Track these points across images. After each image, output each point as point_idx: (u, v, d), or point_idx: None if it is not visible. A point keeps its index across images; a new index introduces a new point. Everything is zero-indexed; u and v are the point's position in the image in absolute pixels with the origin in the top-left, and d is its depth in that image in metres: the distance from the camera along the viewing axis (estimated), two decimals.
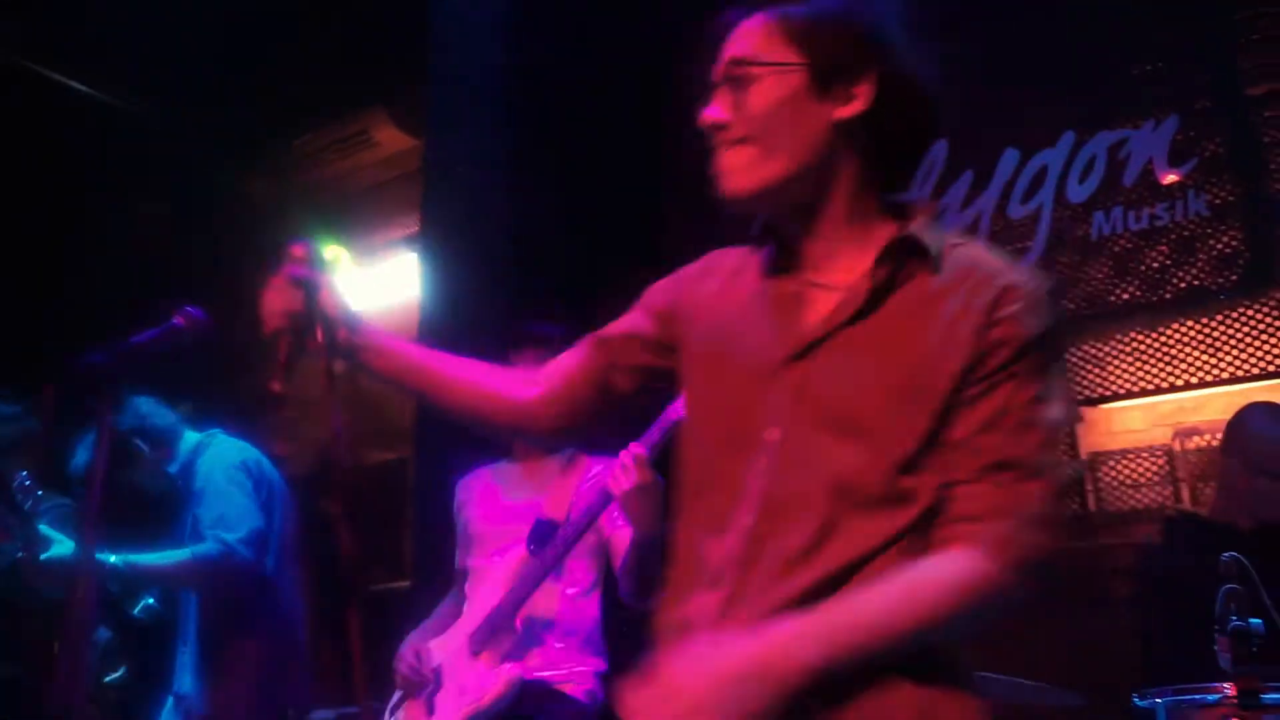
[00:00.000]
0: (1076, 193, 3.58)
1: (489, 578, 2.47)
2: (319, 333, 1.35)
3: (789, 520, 1.09)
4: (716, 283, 1.29)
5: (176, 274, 4.52)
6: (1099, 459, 3.44)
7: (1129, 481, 3.38)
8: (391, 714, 2.57)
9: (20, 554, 2.37)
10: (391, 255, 5.10)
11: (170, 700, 2.63)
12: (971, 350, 1.09)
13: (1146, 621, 2.56)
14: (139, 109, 4.66)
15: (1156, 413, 3.38)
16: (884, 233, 1.16)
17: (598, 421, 1.40)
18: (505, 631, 2.36)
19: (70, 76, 4.39)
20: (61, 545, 2.41)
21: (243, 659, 2.59)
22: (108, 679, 2.71)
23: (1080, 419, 3.50)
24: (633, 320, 1.37)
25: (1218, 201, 3.36)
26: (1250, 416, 2.55)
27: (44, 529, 2.44)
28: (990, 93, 3.73)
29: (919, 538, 1.09)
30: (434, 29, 4.16)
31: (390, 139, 4.96)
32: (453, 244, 4.14)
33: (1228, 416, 2.59)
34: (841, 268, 1.17)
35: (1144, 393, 3.39)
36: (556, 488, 2.47)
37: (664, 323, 1.33)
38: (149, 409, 2.77)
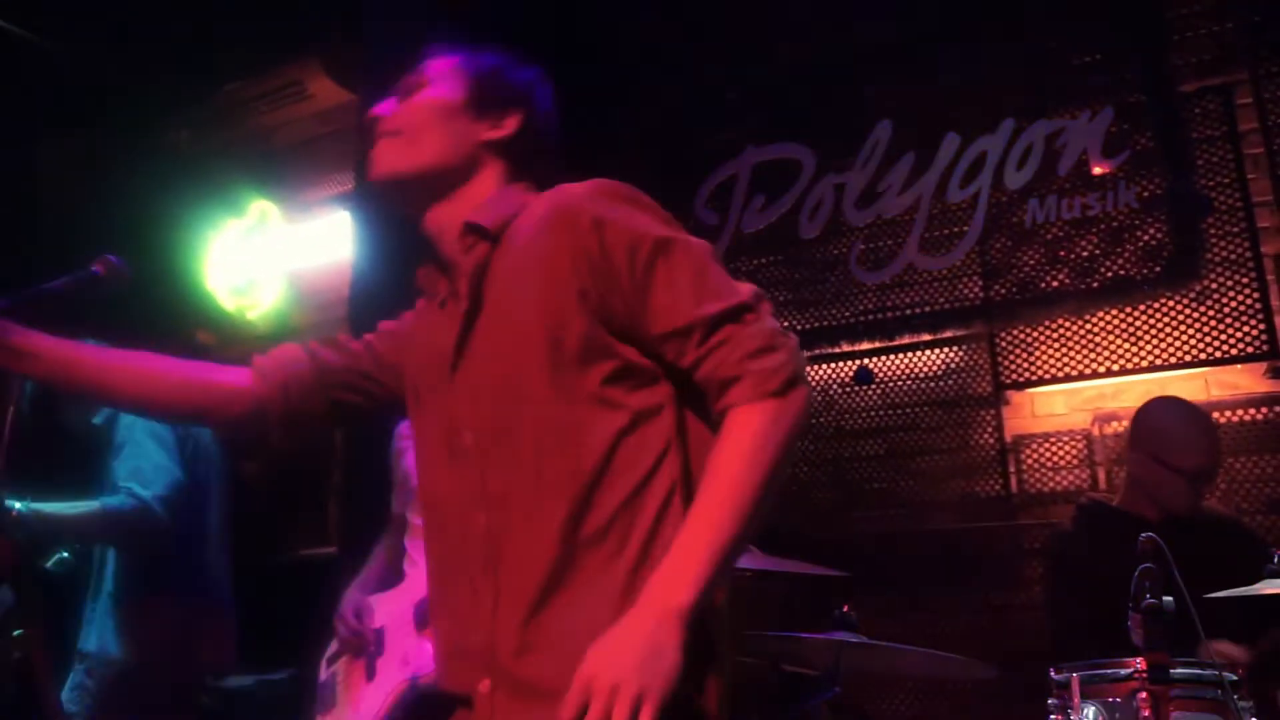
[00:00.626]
0: (1014, 179, 3.64)
1: None
2: None
3: (515, 514, 1.20)
4: (411, 321, 1.48)
5: (96, 225, 4.32)
6: (1021, 441, 3.53)
7: (1049, 464, 3.48)
8: (329, 665, 2.53)
9: None
10: (324, 213, 4.95)
11: (76, 655, 2.54)
12: (585, 273, 1.20)
13: (1055, 601, 2.64)
14: (60, 48, 4.42)
15: (1079, 398, 3.48)
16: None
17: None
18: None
19: None
20: None
21: (158, 617, 2.52)
22: (14, 634, 2.60)
23: (1006, 401, 3.59)
24: (357, 350, 1.49)
25: (1146, 194, 3.45)
26: (1153, 410, 2.64)
27: None
28: (934, 77, 3.78)
29: (642, 425, 1.21)
30: None
31: (325, 91, 4.79)
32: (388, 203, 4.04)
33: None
34: (461, 268, 1.33)
35: (1068, 378, 3.49)
36: None
37: (383, 362, 1.47)
38: None
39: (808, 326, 3.92)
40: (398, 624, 2.41)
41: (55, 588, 2.61)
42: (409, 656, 2.34)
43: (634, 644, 1.02)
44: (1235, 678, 1.94)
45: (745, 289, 1.20)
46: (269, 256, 4.96)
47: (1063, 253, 3.54)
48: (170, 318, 4.64)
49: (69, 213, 4.30)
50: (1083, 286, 3.49)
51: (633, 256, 1.19)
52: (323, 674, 2.55)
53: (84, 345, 1.46)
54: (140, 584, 2.54)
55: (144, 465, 2.49)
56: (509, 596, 1.18)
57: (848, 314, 3.87)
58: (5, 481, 2.07)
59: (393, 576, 2.54)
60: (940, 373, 3.70)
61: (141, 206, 4.61)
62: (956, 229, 3.72)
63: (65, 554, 2.64)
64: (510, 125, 1.38)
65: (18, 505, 2.34)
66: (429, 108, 1.37)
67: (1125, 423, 3.25)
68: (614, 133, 4.34)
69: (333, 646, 2.54)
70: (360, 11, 4.13)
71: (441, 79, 1.39)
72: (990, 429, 3.58)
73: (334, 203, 4.90)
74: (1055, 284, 3.54)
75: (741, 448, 1.12)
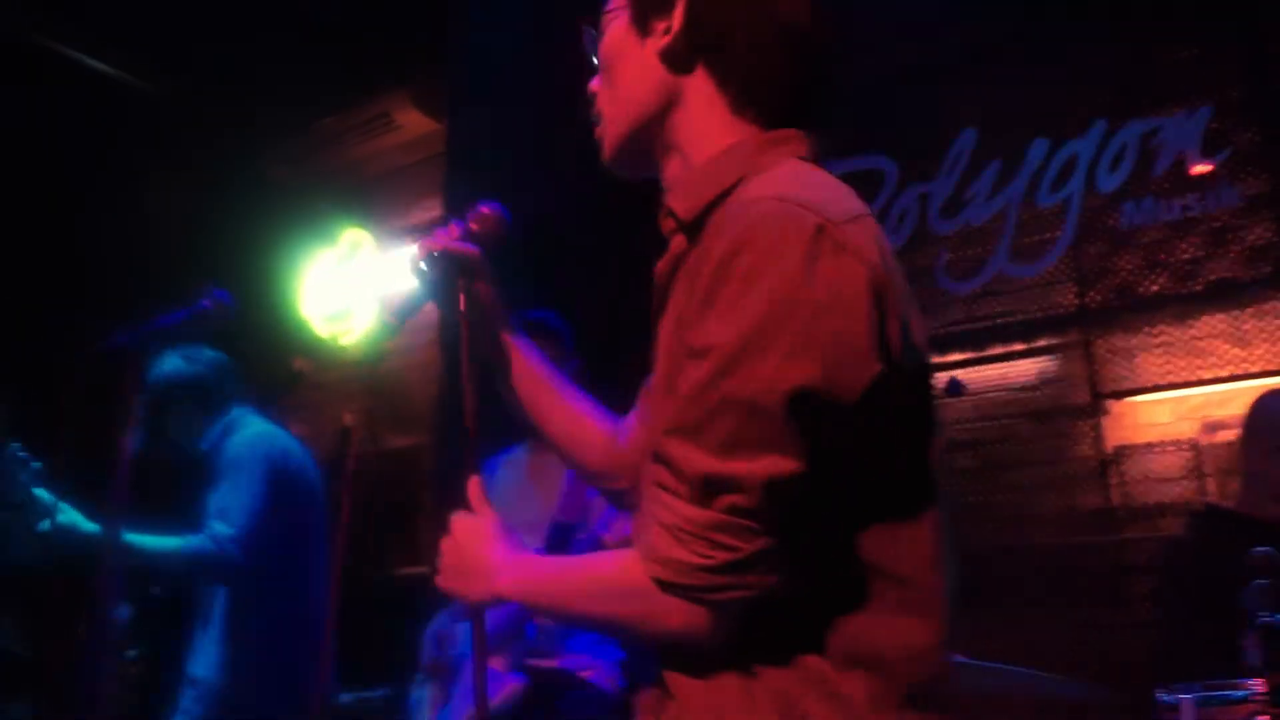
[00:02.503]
0: (1107, 182, 3.53)
1: None
2: (463, 298, 1.29)
3: None
4: None
5: (197, 258, 4.53)
6: (1123, 452, 3.40)
7: (1154, 476, 3.34)
8: (419, 685, 2.58)
9: (45, 525, 2.36)
10: (414, 240, 5.09)
11: (185, 683, 2.63)
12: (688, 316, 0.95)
13: (1169, 616, 2.53)
14: (161, 90, 4.66)
15: (1184, 406, 3.33)
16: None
17: None
18: (516, 638, 2.36)
19: (92, 56, 4.40)
20: (66, 514, 2.40)
21: (264, 647, 2.58)
22: (126, 656, 2.72)
23: (1106, 411, 3.46)
24: None
25: (1250, 193, 3.31)
26: (1269, 400, 2.52)
27: (40, 494, 2.41)
28: (1020, 81, 3.69)
29: None
30: (454, 9, 4.15)
31: (412, 122, 4.94)
32: None
33: None
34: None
35: (1171, 386, 3.35)
36: (571, 491, 2.43)
37: None
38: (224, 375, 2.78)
39: None
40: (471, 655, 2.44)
41: (164, 613, 2.71)
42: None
43: (474, 555, 1.10)
44: None
45: (709, 466, 0.86)
46: (361, 284, 5.12)
47: (1162, 256, 3.41)
48: (268, 345, 4.83)
49: (175, 247, 4.52)
50: (1184, 291, 3.35)
51: (688, 346, 0.92)
52: (414, 692, 2.61)
53: (543, 365, 1.36)
54: (249, 614, 2.60)
55: (232, 505, 2.52)
56: None
57: (936, 325, 3.79)
58: (125, 511, 2.19)
59: None
60: (1035, 383, 3.59)
61: (240, 238, 4.82)
62: (1048, 235, 3.62)
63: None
64: (674, 18, 1.04)
65: (123, 536, 2.43)
66: (611, 55, 1.10)
67: (1236, 431, 3.12)
68: None
69: (419, 676, 2.59)
70: (444, 43, 4.26)
71: (610, 18, 1.13)
72: (1089, 440, 3.46)
73: (423, 229, 5.04)
74: (1155, 289, 3.41)
75: (606, 578, 0.98)
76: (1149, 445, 3.36)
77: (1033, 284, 3.62)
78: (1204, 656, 2.07)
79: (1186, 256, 3.37)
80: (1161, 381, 3.36)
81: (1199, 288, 3.33)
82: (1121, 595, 3.24)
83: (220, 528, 2.48)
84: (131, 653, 2.70)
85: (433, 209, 4.90)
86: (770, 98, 1.05)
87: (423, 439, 4.31)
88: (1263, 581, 1.85)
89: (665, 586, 0.89)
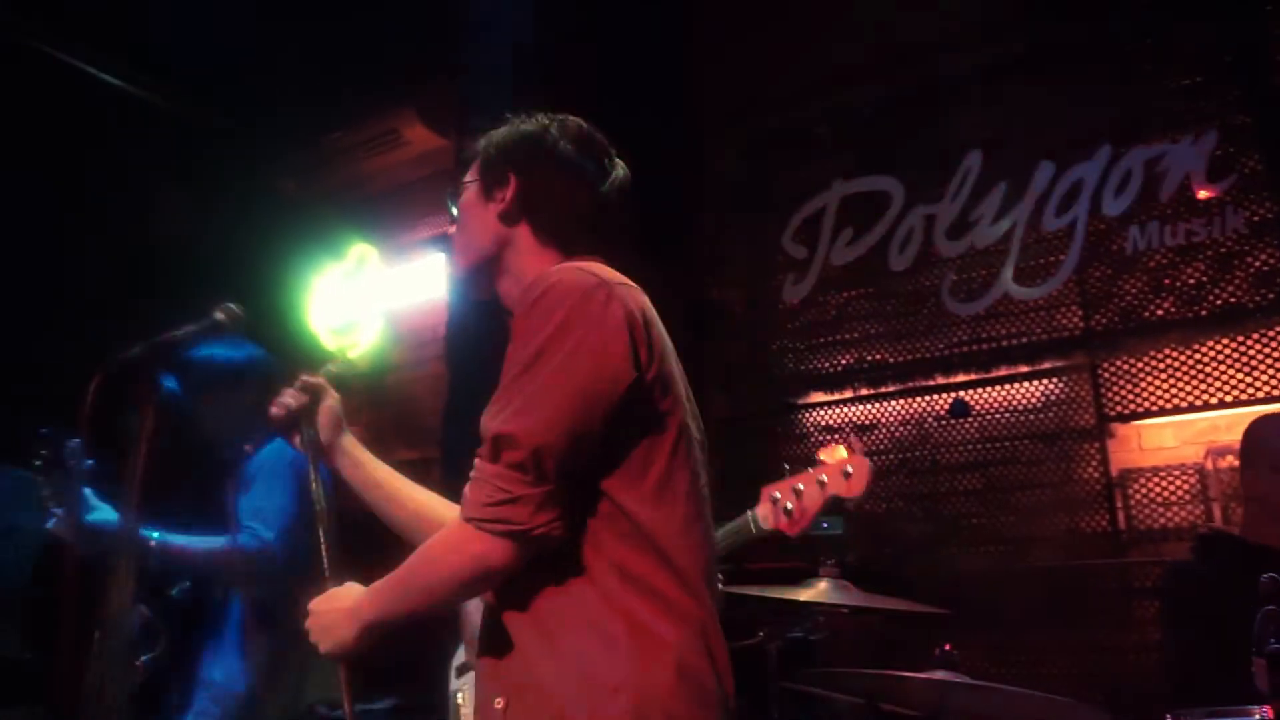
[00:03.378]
0: (1112, 206, 3.55)
1: None
2: (302, 437, 1.68)
3: None
4: None
5: (208, 271, 4.55)
6: (1129, 476, 3.40)
7: (1159, 500, 3.34)
8: (458, 676, 2.57)
9: (94, 518, 2.38)
10: (420, 255, 5.11)
11: (200, 683, 2.64)
12: None
13: (1175, 641, 2.52)
14: (171, 104, 4.69)
15: (1190, 430, 3.34)
16: None
17: None
18: None
19: (104, 71, 4.43)
20: (103, 512, 2.43)
21: (280, 650, 2.58)
22: (142, 658, 2.72)
23: (1111, 434, 3.47)
24: None
25: (1256, 218, 3.32)
26: (1264, 423, 2.53)
27: (89, 494, 2.45)
28: (1026, 104, 3.72)
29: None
30: (462, 27, 4.18)
31: (420, 138, 4.97)
32: None
33: None
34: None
35: (1177, 410, 3.35)
36: None
37: None
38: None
39: (900, 359, 3.87)
40: None
41: (177, 615, 2.71)
42: None
43: (330, 615, 1.40)
44: None
45: (501, 429, 1.24)
46: (368, 297, 5.14)
47: (1167, 280, 3.43)
48: (280, 357, 4.83)
49: (186, 260, 4.53)
50: (1190, 315, 3.37)
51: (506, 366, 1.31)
52: (451, 684, 2.59)
53: (384, 472, 1.70)
54: (265, 617, 2.61)
55: (268, 506, 2.55)
56: None
57: (941, 346, 3.80)
58: (142, 509, 2.20)
59: None
60: (1040, 405, 3.60)
61: (249, 251, 4.83)
62: (1053, 258, 3.64)
63: (188, 583, 2.75)
64: (508, 192, 1.47)
65: (154, 536, 2.45)
66: (462, 213, 1.52)
67: None
68: (702, 168, 4.39)
69: (459, 656, 2.58)
70: (452, 60, 4.28)
71: (468, 177, 1.52)
72: (1094, 463, 3.46)
73: (429, 245, 5.06)
74: (1160, 313, 3.42)
75: (435, 549, 1.30)
76: (1154, 469, 3.36)
77: (1038, 306, 3.64)
78: (1210, 682, 2.07)
79: (1192, 281, 3.39)
80: (1167, 405, 3.37)
81: (1204, 312, 3.35)
82: (1126, 618, 3.23)
83: (261, 529, 2.50)
84: (145, 656, 2.70)
85: (439, 224, 4.92)
86: (572, 235, 1.46)
87: (430, 451, 4.31)
88: (1271, 608, 1.84)
89: (476, 524, 1.23)
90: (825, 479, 2.05)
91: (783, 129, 4.28)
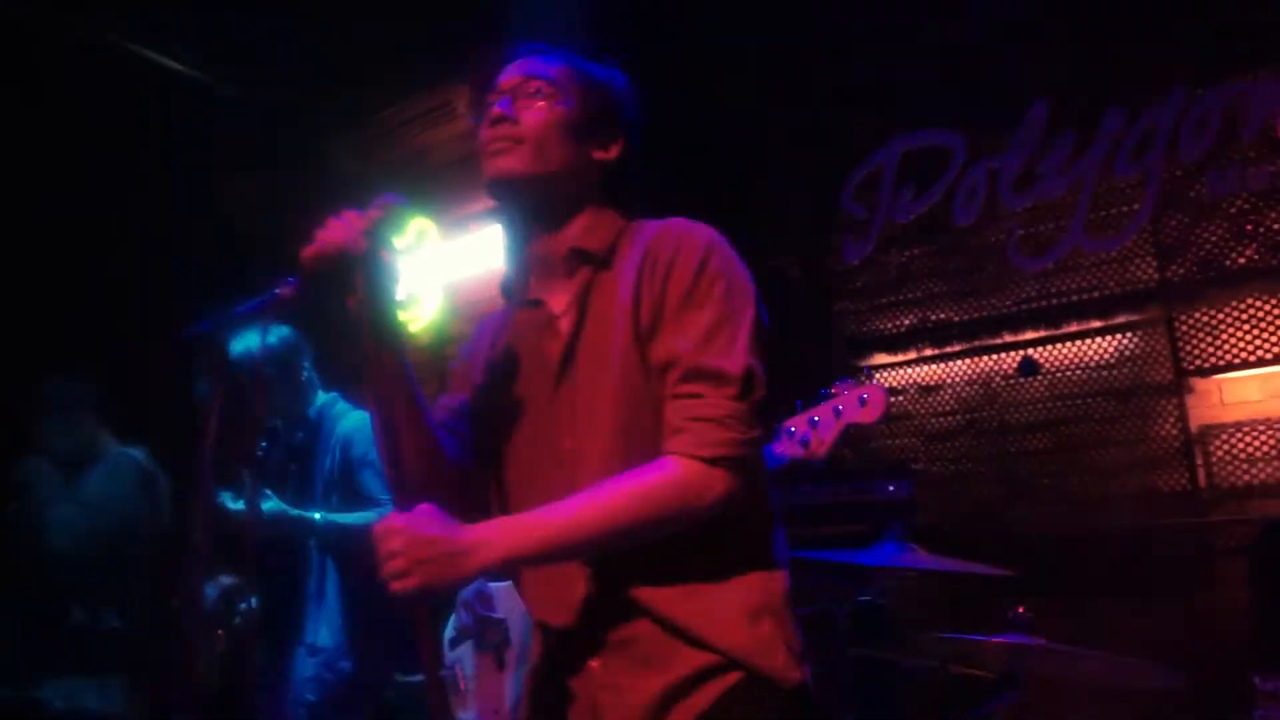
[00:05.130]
0: (1189, 151, 3.40)
1: None
2: (360, 287, 1.33)
3: None
4: (487, 340, 1.55)
5: (270, 248, 4.62)
6: (1210, 432, 3.28)
7: (1243, 456, 3.21)
8: (451, 649, 2.61)
9: (269, 505, 2.52)
10: (476, 228, 5.13)
11: (302, 650, 2.72)
12: (646, 309, 1.32)
13: (1264, 600, 2.43)
14: (225, 84, 4.75)
15: (1276, 383, 3.20)
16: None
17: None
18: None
19: (157, 51, 4.50)
20: (274, 501, 2.55)
21: (380, 615, 2.66)
22: (234, 622, 2.82)
23: (1190, 389, 3.34)
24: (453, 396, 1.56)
25: None
26: None
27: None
28: (1092, 48, 3.56)
29: None
30: None
31: None
32: None
33: None
34: (563, 280, 1.42)
35: (1261, 362, 3.21)
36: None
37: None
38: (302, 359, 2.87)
39: (966, 317, 3.77)
40: (519, 618, 2.47)
41: (270, 582, 2.81)
42: (532, 656, 2.39)
43: (452, 538, 1.20)
44: None
45: (744, 364, 1.25)
46: (427, 271, 5.18)
47: (1249, 227, 3.27)
48: (342, 331, 4.91)
49: (248, 238, 4.61)
50: (1275, 263, 3.22)
51: (680, 295, 1.30)
52: (446, 656, 2.64)
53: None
54: (366, 582, 2.69)
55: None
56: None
57: (1009, 303, 3.70)
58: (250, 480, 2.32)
59: None
60: (1113, 361, 3.48)
61: (310, 230, 4.90)
62: (1125, 208, 3.50)
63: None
64: (615, 150, 1.46)
65: (316, 516, 2.59)
66: (554, 123, 1.41)
67: None
68: (760, 129, 4.31)
69: (451, 630, 2.62)
70: (504, 30, 4.26)
71: (561, 91, 1.43)
72: (1173, 419, 3.34)
73: (486, 217, 5.07)
74: (1242, 261, 3.28)
75: (640, 484, 1.22)
76: (1238, 424, 3.23)
77: (1110, 259, 3.51)
78: None
79: (1277, 226, 3.23)
80: (1250, 358, 3.23)
81: None
82: (1208, 579, 3.13)
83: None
84: (236, 620, 2.79)
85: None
86: (626, 195, 1.49)
87: None
88: None
89: (714, 462, 1.22)
90: (841, 408, 2.04)
91: (837, 85, 4.17)
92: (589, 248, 1.40)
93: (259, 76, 4.75)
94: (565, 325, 1.39)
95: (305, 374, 2.87)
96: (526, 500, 1.32)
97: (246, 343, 2.69)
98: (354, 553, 2.68)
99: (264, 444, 2.58)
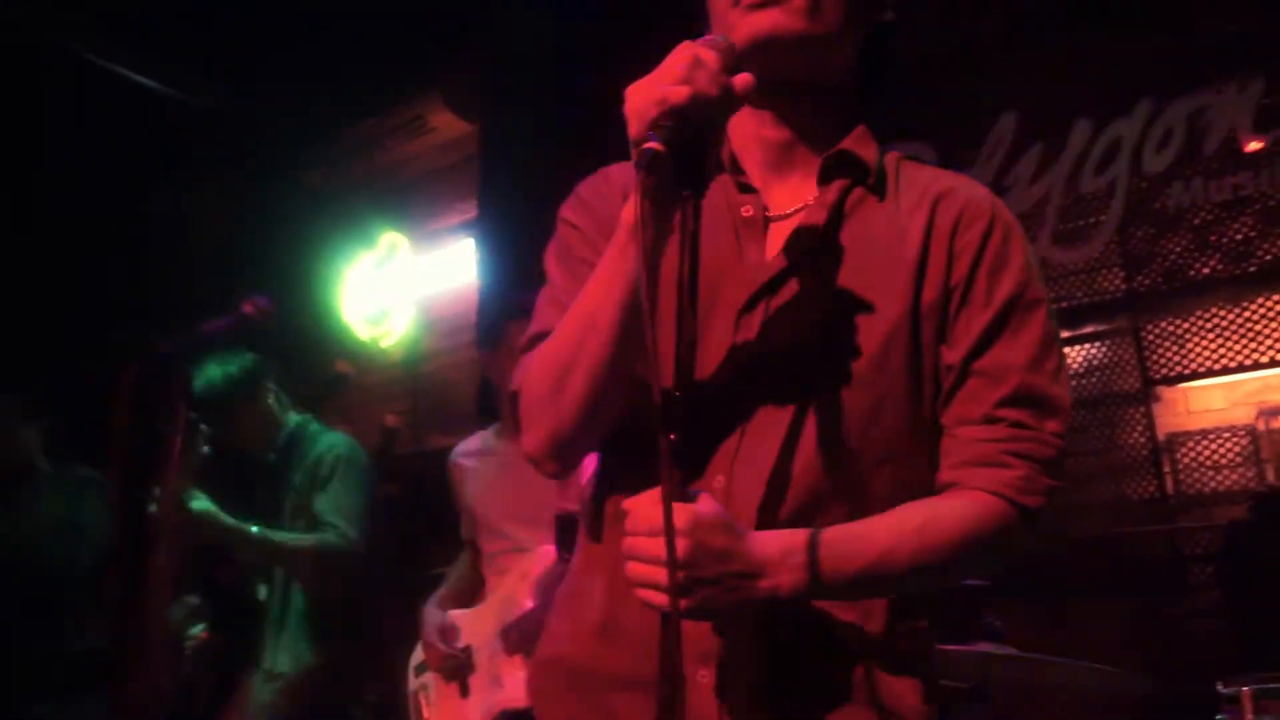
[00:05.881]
0: (1154, 162, 3.44)
1: (514, 571, 2.45)
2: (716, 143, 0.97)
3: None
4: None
5: (238, 265, 4.59)
6: (1176, 440, 3.31)
7: (1209, 463, 3.25)
8: (416, 675, 2.59)
9: (199, 505, 2.44)
10: (450, 241, 5.12)
11: (259, 676, 2.68)
12: (936, 281, 1.06)
13: (1231, 606, 2.46)
14: (195, 97, 4.73)
15: (1239, 391, 3.24)
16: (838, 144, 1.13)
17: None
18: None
19: (127, 66, 4.47)
20: (202, 501, 2.49)
21: (342, 639, 2.64)
22: (189, 645, 2.79)
23: (1157, 398, 3.38)
24: None
25: None
26: None
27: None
28: (1060, 61, 3.61)
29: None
30: (486, 12, 4.15)
31: (446, 124, 4.96)
32: (510, 228, 4.14)
33: None
34: (795, 181, 1.13)
35: (1225, 370, 3.25)
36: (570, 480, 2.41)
37: None
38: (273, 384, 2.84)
39: None
40: (484, 643, 2.45)
41: (231, 604, 2.77)
42: (502, 678, 2.38)
43: (742, 554, 0.94)
44: None
45: (1069, 398, 1.07)
46: (400, 286, 5.16)
47: (1214, 237, 3.32)
48: (311, 349, 4.88)
49: (217, 254, 4.58)
50: (1238, 272, 3.26)
51: (1011, 295, 1.06)
52: (411, 683, 2.61)
53: None
54: (330, 607, 2.66)
55: (350, 503, 2.61)
56: None
57: None
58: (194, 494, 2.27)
59: (469, 598, 2.60)
60: (1083, 370, 3.51)
61: (281, 244, 4.88)
62: (1092, 219, 3.54)
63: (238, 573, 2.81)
64: (892, 9, 1.17)
65: (254, 529, 2.52)
66: None
67: None
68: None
69: (417, 655, 2.60)
70: (475, 44, 4.26)
71: None
72: (1141, 428, 3.37)
73: (458, 231, 5.07)
74: (1206, 271, 3.32)
75: (963, 522, 1.01)
76: (1203, 432, 3.27)
77: (1079, 269, 3.55)
78: (1269, 645, 2.02)
79: (1239, 237, 3.28)
80: (1215, 366, 3.27)
81: (1253, 268, 3.24)
82: (1177, 585, 3.15)
83: (346, 527, 2.55)
84: (190, 642, 2.76)
85: (468, 211, 4.92)
86: (889, 79, 1.20)
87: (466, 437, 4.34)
88: None
89: (1037, 513, 1.02)
90: None
91: None
92: (864, 156, 1.10)
93: (227, 90, 4.73)
94: (804, 236, 1.07)
95: (270, 398, 2.83)
96: (712, 471, 1.02)
97: (208, 374, 2.66)
98: (295, 575, 2.65)
99: (208, 450, 2.51)
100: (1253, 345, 3.22)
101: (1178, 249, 3.38)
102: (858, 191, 1.10)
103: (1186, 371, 3.32)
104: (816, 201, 1.09)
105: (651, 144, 0.88)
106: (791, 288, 1.06)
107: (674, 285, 0.98)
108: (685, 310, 0.98)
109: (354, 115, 5.05)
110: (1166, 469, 3.30)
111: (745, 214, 1.11)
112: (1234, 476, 3.19)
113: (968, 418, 1.05)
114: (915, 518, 1.00)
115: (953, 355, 1.05)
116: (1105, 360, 3.48)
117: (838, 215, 1.09)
